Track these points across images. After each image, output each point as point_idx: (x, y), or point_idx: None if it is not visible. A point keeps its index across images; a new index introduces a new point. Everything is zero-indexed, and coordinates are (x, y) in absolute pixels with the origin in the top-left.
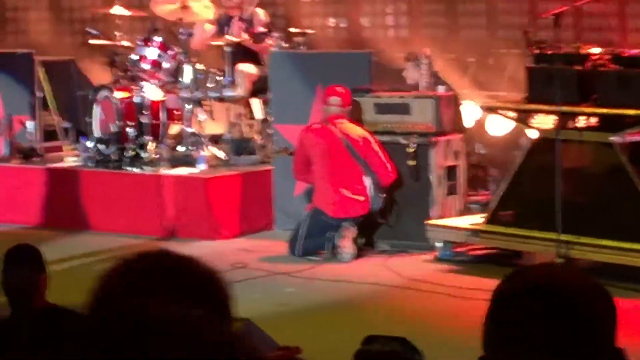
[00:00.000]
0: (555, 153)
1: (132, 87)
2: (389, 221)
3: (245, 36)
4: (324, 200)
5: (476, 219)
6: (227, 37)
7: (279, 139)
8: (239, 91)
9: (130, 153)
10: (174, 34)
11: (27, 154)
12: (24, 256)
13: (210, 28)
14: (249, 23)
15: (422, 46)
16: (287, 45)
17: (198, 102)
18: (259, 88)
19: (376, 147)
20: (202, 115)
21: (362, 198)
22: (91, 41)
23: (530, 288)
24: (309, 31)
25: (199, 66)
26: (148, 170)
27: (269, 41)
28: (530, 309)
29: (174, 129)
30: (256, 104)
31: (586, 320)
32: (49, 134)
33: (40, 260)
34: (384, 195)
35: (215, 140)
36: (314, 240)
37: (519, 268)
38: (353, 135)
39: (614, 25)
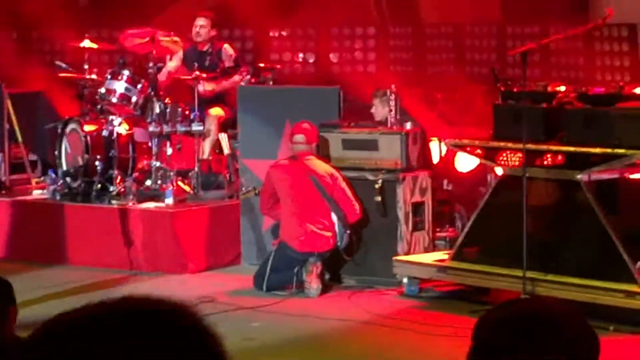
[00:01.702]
0: (521, 190)
1: (101, 120)
2: (355, 257)
3: (208, 87)
4: (291, 235)
5: (442, 255)
6: (196, 73)
7: (247, 174)
8: (208, 126)
9: (98, 186)
10: (143, 68)
11: None
12: None
13: (174, 65)
14: (217, 58)
15: (390, 82)
16: (255, 80)
17: (166, 136)
18: (227, 124)
19: (343, 185)
20: (170, 150)
21: (328, 234)
22: (60, 74)
23: (516, 317)
24: (278, 66)
25: (167, 100)
26: (115, 203)
27: (237, 76)
28: (515, 337)
29: (142, 163)
30: (224, 138)
31: (572, 351)
32: (16, 167)
33: (11, 292)
34: (349, 232)
35: (183, 174)
36: (280, 275)
37: (504, 301)
38: (320, 172)
39: (581, 64)
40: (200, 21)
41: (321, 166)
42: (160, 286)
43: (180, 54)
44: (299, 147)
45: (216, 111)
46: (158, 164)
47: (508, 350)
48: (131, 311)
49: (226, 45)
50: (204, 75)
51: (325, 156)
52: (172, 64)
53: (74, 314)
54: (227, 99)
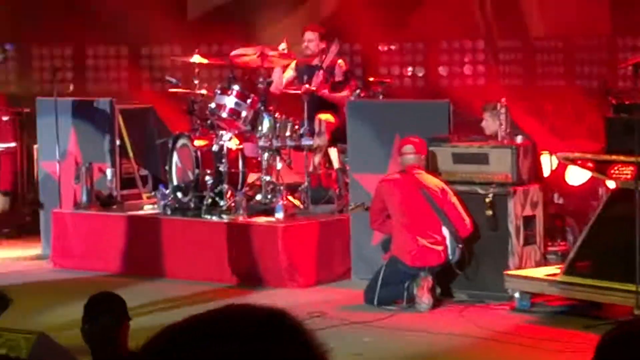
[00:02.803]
0: (634, 203)
1: (211, 135)
2: (466, 272)
3: (324, 91)
4: (402, 249)
5: (554, 270)
6: (306, 86)
7: (357, 188)
8: (318, 141)
9: (209, 201)
10: (253, 83)
11: (106, 202)
12: (108, 304)
13: (290, 75)
14: (329, 72)
15: (499, 95)
16: (364, 94)
17: (276, 151)
18: (337, 137)
19: (454, 199)
20: (280, 164)
21: (440, 247)
22: (170, 89)
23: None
24: (387, 80)
25: (277, 115)
26: (226, 218)
27: (347, 90)
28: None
29: (252, 177)
30: (334, 153)
31: None
32: (127, 182)
33: (124, 308)
34: (461, 246)
35: (293, 189)
36: (390, 290)
37: (629, 318)
38: (431, 186)
39: None
40: (309, 35)
41: (431, 180)
42: (270, 300)
43: (294, 64)
44: (408, 158)
45: (326, 116)
46: (268, 178)
47: None
48: (237, 316)
49: (340, 61)
50: (314, 88)
51: (435, 170)
52: (288, 74)
53: (184, 323)
54: (337, 108)
